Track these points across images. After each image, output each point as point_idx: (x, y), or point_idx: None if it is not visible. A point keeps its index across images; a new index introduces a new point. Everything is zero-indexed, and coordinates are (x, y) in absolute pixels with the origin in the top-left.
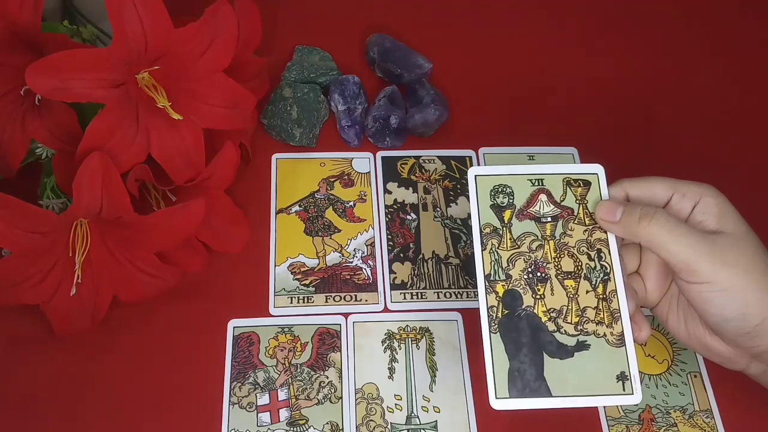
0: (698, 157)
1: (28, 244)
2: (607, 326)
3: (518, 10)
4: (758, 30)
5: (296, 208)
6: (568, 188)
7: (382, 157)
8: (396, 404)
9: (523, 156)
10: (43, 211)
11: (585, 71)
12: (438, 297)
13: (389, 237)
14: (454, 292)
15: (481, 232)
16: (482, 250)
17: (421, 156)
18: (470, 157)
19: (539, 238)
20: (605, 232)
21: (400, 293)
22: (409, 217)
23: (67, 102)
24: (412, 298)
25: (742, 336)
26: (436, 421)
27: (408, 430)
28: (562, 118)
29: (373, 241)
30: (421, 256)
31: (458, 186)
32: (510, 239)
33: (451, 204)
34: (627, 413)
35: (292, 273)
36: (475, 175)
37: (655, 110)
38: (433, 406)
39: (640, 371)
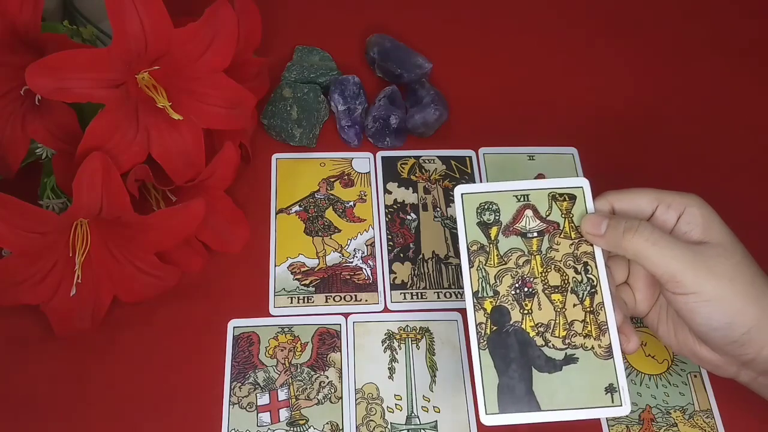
0: (698, 157)
1: (28, 244)
2: (594, 339)
3: (518, 10)
4: (759, 34)
5: (296, 208)
6: (553, 203)
7: (382, 157)
8: (396, 404)
9: (523, 156)
10: (43, 211)
11: (585, 71)
12: (438, 297)
13: (389, 237)
14: (454, 292)
15: (468, 249)
16: (470, 268)
17: (421, 156)
18: (470, 157)
19: (526, 253)
20: (591, 245)
21: (400, 293)
22: (409, 217)
23: (67, 102)
24: (412, 298)
25: (729, 345)
26: (436, 421)
27: (408, 430)
28: (562, 118)
29: (373, 241)
30: (421, 256)
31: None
32: (497, 256)
33: (451, 204)
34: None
35: (292, 273)
36: (461, 194)
37: (655, 110)
38: (433, 406)
39: (640, 371)
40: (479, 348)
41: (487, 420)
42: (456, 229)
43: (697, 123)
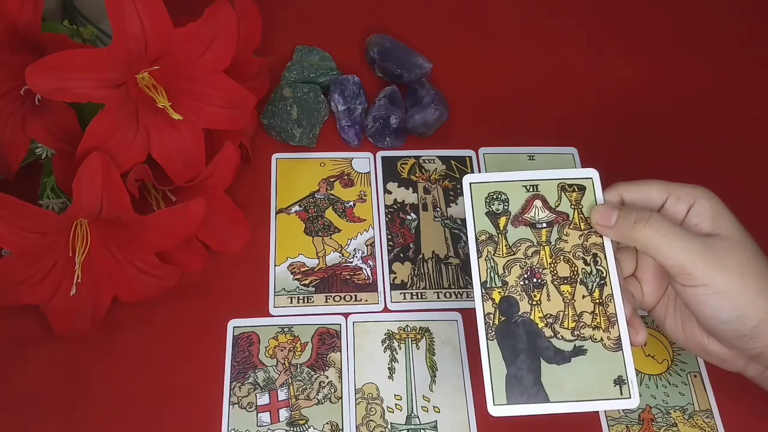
0: (698, 157)
1: (28, 244)
2: (603, 331)
3: (518, 10)
4: (758, 32)
5: (296, 208)
6: (562, 193)
7: (382, 157)
8: (396, 404)
9: (523, 156)
10: (43, 211)
11: (585, 71)
12: (438, 297)
13: (389, 237)
14: (454, 292)
15: (476, 239)
16: (478, 258)
17: (421, 156)
18: (470, 157)
19: (535, 244)
20: (601, 236)
21: (400, 293)
22: (409, 217)
23: (67, 102)
24: (412, 298)
25: (738, 338)
26: (436, 421)
27: (408, 430)
28: (562, 118)
29: (373, 241)
30: (421, 256)
31: (458, 186)
32: (505, 246)
33: (451, 204)
34: (627, 413)
35: (292, 273)
36: (470, 183)
37: (655, 110)
38: (433, 406)
39: (640, 371)
40: (487, 339)
41: (495, 411)
42: (456, 228)
43: (697, 123)
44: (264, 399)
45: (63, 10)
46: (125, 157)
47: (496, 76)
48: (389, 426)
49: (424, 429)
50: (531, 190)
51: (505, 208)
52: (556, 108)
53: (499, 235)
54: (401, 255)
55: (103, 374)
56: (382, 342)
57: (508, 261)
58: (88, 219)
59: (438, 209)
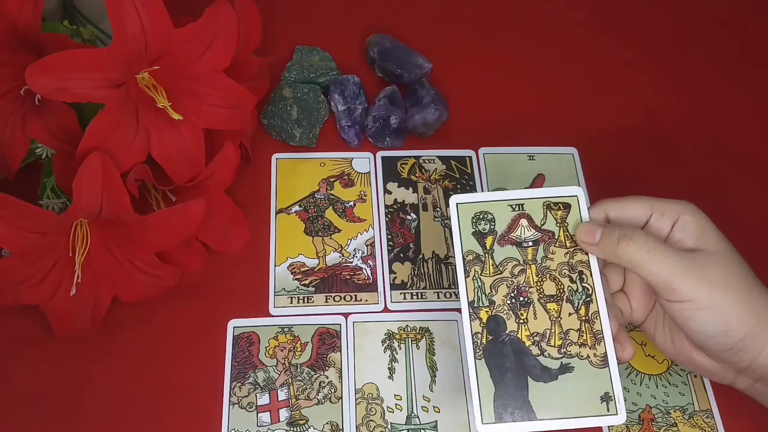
0: (698, 157)
1: (28, 244)
2: (590, 348)
3: (518, 11)
4: (760, 35)
5: (296, 208)
6: (548, 212)
7: (382, 157)
8: (396, 404)
9: (523, 156)
10: (43, 211)
11: (585, 71)
12: (438, 297)
13: (389, 237)
14: (454, 292)
15: (463, 259)
16: (465, 278)
17: (421, 156)
18: (470, 157)
19: (521, 262)
20: (586, 254)
21: (400, 293)
22: (409, 217)
23: (67, 102)
24: (412, 298)
25: (725, 352)
26: (436, 421)
27: (408, 430)
28: (562, 118)
29: (373, 241)
30: (421, 256)
31: (458, 186)
32: (492, 265)
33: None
34: (627, 413)
35: (292, 273)
36: (456, 203)
37: (654, 110)
38: (433, 406)
39: (640, 371)
40: (475, 358)
41: (484, 429)
42: None
43: (697, 123)
44: (264, 399)
45: (63, 10)
46: (125, 157)
47: (496, 76)
48: (389, 426)
49: (424, 429)
50: (516, 209)
51: (492, 227)
52: (556, 108)
53: (486, 255)
54: (401, 255)
55: (103, 374)
56: (382, 342)
57: (495, 280)
58: (88, 219)
59: (438, 209)
